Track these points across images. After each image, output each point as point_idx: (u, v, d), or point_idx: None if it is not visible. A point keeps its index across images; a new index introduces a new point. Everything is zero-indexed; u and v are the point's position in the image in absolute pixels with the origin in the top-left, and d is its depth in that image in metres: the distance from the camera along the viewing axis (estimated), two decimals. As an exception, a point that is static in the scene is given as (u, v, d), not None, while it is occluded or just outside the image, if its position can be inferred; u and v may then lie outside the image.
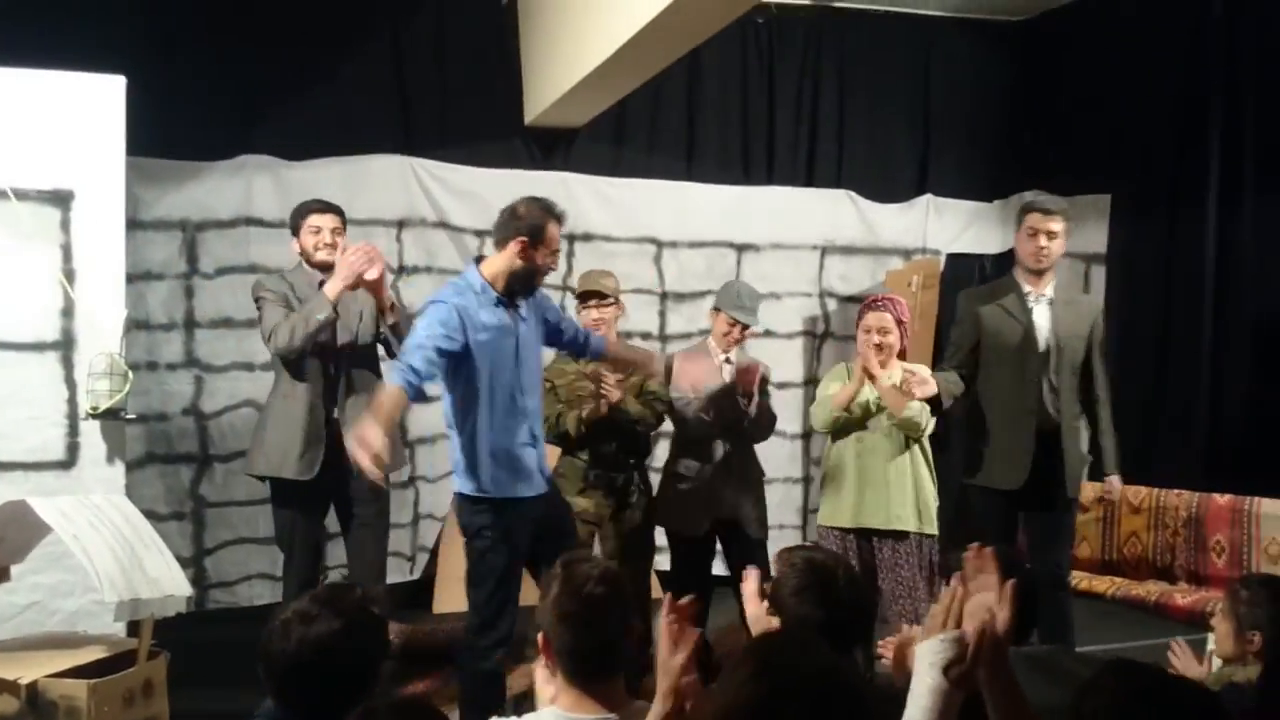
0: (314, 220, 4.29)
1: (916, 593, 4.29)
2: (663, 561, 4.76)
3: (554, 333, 4.09)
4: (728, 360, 4.51)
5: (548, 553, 3.38)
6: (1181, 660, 3.05)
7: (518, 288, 3.75)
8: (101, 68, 4.14)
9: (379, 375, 4.24)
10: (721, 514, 4.43)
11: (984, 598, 1.98)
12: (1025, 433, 4.37)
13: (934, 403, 4.34)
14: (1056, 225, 4.40)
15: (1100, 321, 4.63)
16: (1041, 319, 4.46)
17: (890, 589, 4.33)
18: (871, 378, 4.26)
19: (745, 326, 4.48)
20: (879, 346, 4.33)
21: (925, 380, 4.20)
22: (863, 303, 4.62)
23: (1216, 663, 3.87)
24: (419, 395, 3.56)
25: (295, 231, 4.34)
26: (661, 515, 4.56)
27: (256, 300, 4.23)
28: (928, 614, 4.16)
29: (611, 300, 4.48)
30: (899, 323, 4.38)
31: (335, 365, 4.16)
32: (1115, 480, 4.57)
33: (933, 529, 4.41)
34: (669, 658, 2.01)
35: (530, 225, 3.73)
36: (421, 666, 4.78)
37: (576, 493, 4.34)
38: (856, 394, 4.32)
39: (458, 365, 3.62)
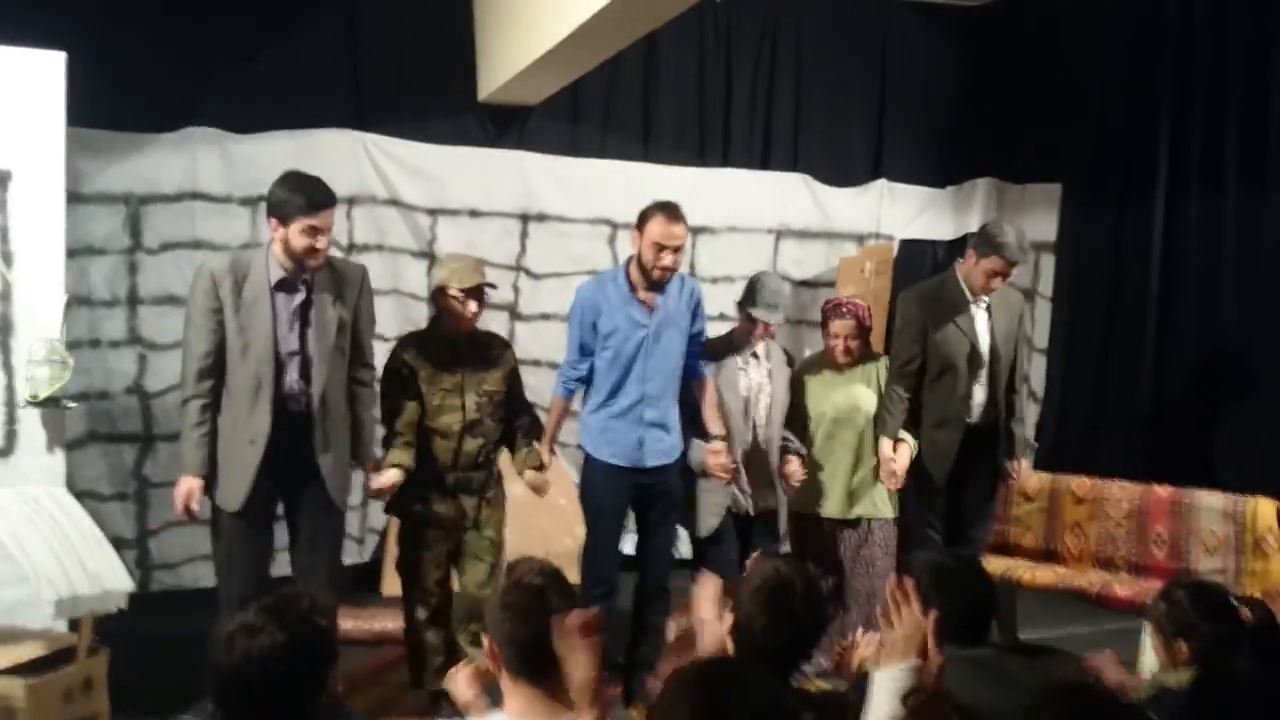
0: (313, 222, 3.63)
1: (876, 576, 4.49)
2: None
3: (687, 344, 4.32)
4: (754, 355, 4.52)
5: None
6: (1109, 673, 3.10)
7: (637, 275, 4.18)
8: (42, 37, 4.00)
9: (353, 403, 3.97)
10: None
11: (898, 634, 2.00)
12: (956, 433, 4.64)
13: None
14: (1012, 274, 4.63)
15: (1026, 314, 4.92)
16: (982, 328, 4.67)
17: (851, 570, 4.61)
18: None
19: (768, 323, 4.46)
20: (847, 350, 4.60)
21: (897, 475, 4.54)
22: (826, 306, 4.79)
23: (1149, 664, 3.96)
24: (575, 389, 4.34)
25: (282, 219, 3.65)
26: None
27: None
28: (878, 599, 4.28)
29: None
30: (862, 327, 4.63)
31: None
32: (1024, 464, 4.86)
33: (890, 513, 4.68)
34: (587, 669, 2.01)
35: (639, 218, 4.16)
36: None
37: (436, 500, 4.09)
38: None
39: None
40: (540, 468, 4.16)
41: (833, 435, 4.63)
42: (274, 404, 3.70)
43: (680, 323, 4.28)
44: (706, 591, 2.64)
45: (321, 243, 3.66)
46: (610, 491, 4.27)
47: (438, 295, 4.06)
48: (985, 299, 4.64)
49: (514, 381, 4.24)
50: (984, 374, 4.66)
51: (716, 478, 4.28)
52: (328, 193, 3.71)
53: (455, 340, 4.08)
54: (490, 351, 4.18)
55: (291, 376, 3.74)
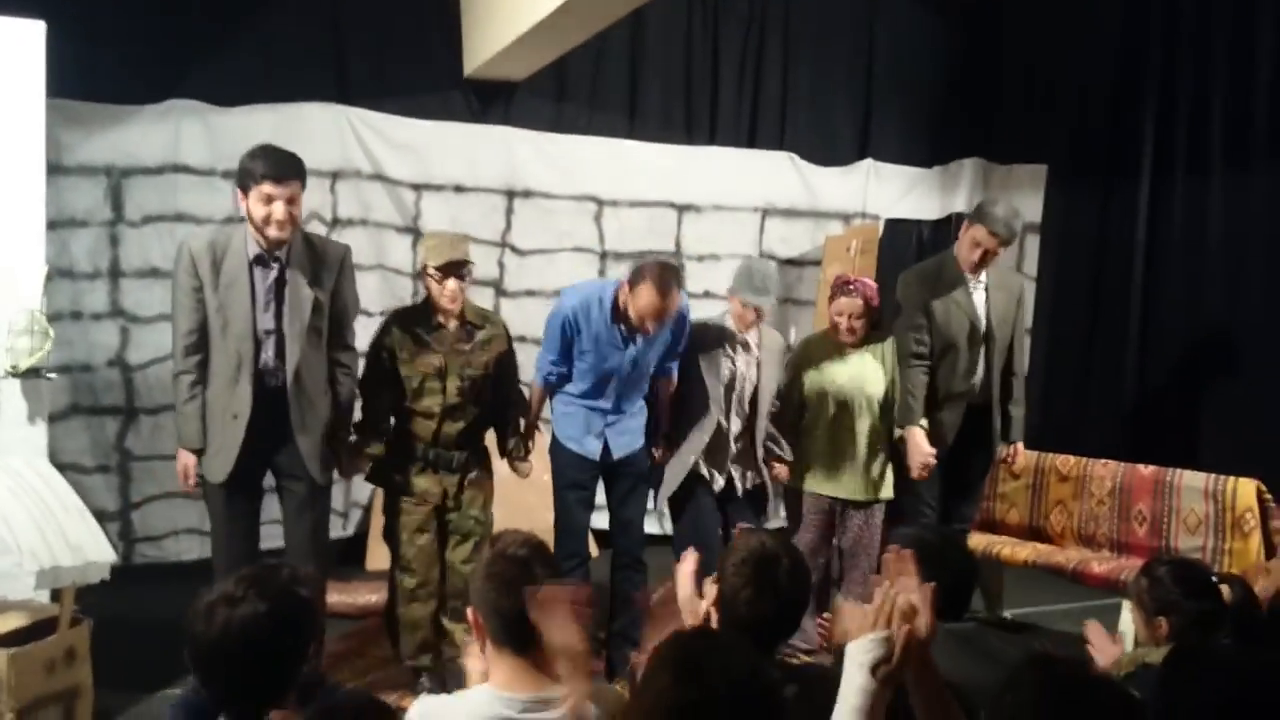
0: (267, 189, 3.59)
1: (873, 555, 4.47)
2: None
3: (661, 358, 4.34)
4: (743, 344, 4.46)
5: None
6: (1097, 642, 3.12)
7: (622, 321, 4.14)
8: (22, 6, 3.94)
9: (333, 383, 3.93)
10: None
11: (906, 598, 2.01)
12: (958, 413, 4.63)
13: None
14: (1002, 251, 4.60)
15: (1025, 299, 4.90)
16: (981, 307, 4.65)
17: (850, 550, 4.58)
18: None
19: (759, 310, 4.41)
20: (851, 330, 4.51)
21: (930, 466, 4.53)
22: (835, 283, 4.68)
23: (1128, 641, 3.99)
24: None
25: (244, 189, 3.64)
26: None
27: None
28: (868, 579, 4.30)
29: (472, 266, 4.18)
30: (869, 307, 4.51)
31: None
32: (1019, 448, 4.86)
33: (889, 494, 4.64)
34: (575, 642, 2.03)
35: (632, 273, 4.05)
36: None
37: (416, 473, 4.06)
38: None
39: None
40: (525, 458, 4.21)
41: (838, 415, 4.54)
42: (254, 381, 3.69)
43: (658, 344, 4.27)
44: (686, 568, 2.65)
45: (280, 212, 3.59)
46: (578, 466, 4.31)
47: (421, 274, 4.03)
48: (983, 279, 4.63)
49: (504, 364, 4.17)
50: (983, 352, 4.64)
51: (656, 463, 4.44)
52: (290, 164, 3.63)
53: (442, 320, 4.00)
54: (479, 334, 4.08)
55: (268, 354, 3.73)
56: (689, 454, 4.39)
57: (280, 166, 3.61)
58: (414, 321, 4.04)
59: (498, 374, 4.12)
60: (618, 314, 4.12)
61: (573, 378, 4.29)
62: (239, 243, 3.69)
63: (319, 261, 3.79)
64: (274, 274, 3.71)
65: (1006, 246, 4.62)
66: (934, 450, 4.51)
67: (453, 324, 4.02)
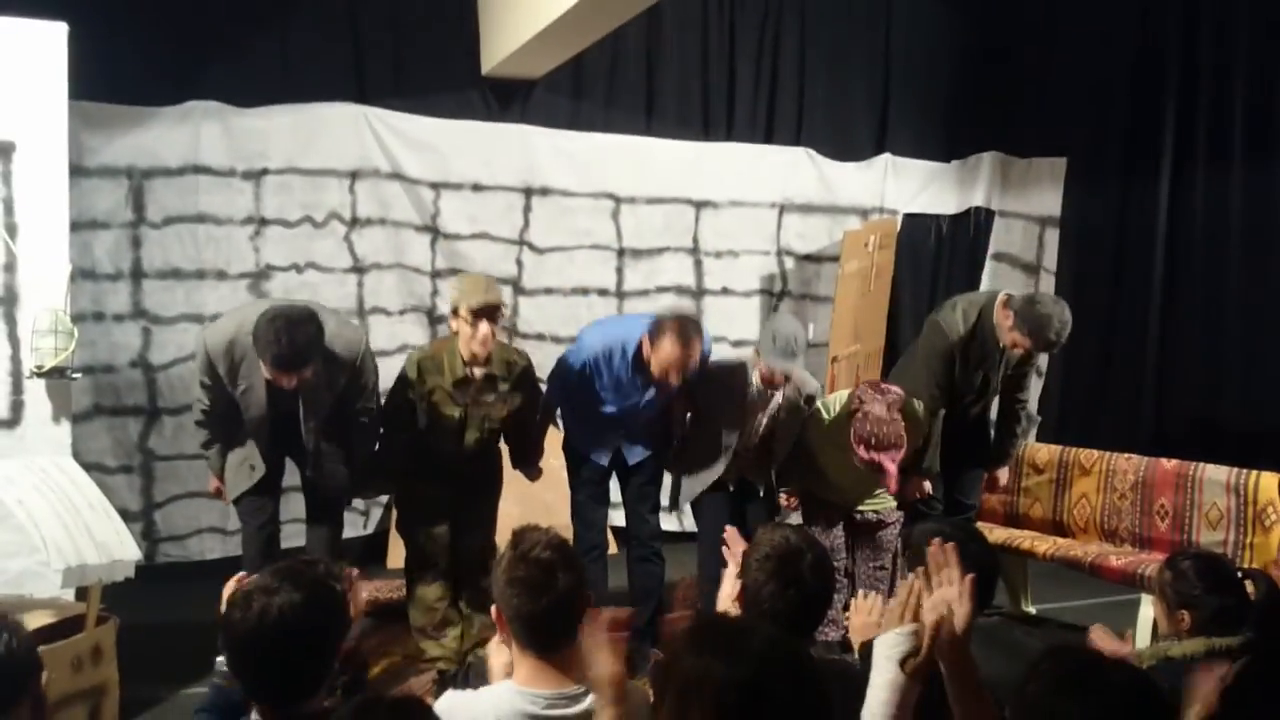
0: (278, 377, 3.68)
1: (887, 566, 4.43)
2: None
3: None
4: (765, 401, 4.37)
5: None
6: (1102, 646, 3.11)
7: (642, 371, 4.11)
8: (45, 8, 3.98)
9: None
10: None
11: (945, 592, 2.00)
12: (951, 424, 4.62)
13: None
14: (1035, 354, 4.66)
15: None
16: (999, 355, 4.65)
17: (865, 562, 4.47)
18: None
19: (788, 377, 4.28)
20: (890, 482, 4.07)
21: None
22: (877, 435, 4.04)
23: (1141, 638, 3.97)
24: None
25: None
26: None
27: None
28: (885, 584, 4.28)
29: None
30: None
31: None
32: (1003, 473, 4.93)
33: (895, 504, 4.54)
34: (609, 665, 2.01)
35: (653, 327, 4.02)
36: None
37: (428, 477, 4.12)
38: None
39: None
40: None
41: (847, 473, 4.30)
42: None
43: (671, 389, 4.21)
44: (730, 573, 2.63)
45: (289, 384, 3.68)
46: (591, 464, 4.37)
47: (453, 315, 4.01)
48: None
49: (527, 408, 4.21)
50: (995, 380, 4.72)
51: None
52: (288, 360, 3.60)
53: (467, 368, 3.99)
54: (502, 386, 4.07)
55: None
56: (700, 481, 4.38)
57: (281, 362, 3.59)
58: (437, 370, 4.02)
59: (517, 419, 4.20)
60: (640, 364, 4.10)
61: (586, 415, 4.32)
62: (255, 357, 3.73)
63: (333, 364, 3.85)
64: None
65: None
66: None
67: (478, 372, 4.00)
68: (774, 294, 6.60)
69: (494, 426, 4.11)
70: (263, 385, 3.78)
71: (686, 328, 3.97)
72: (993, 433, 4.88)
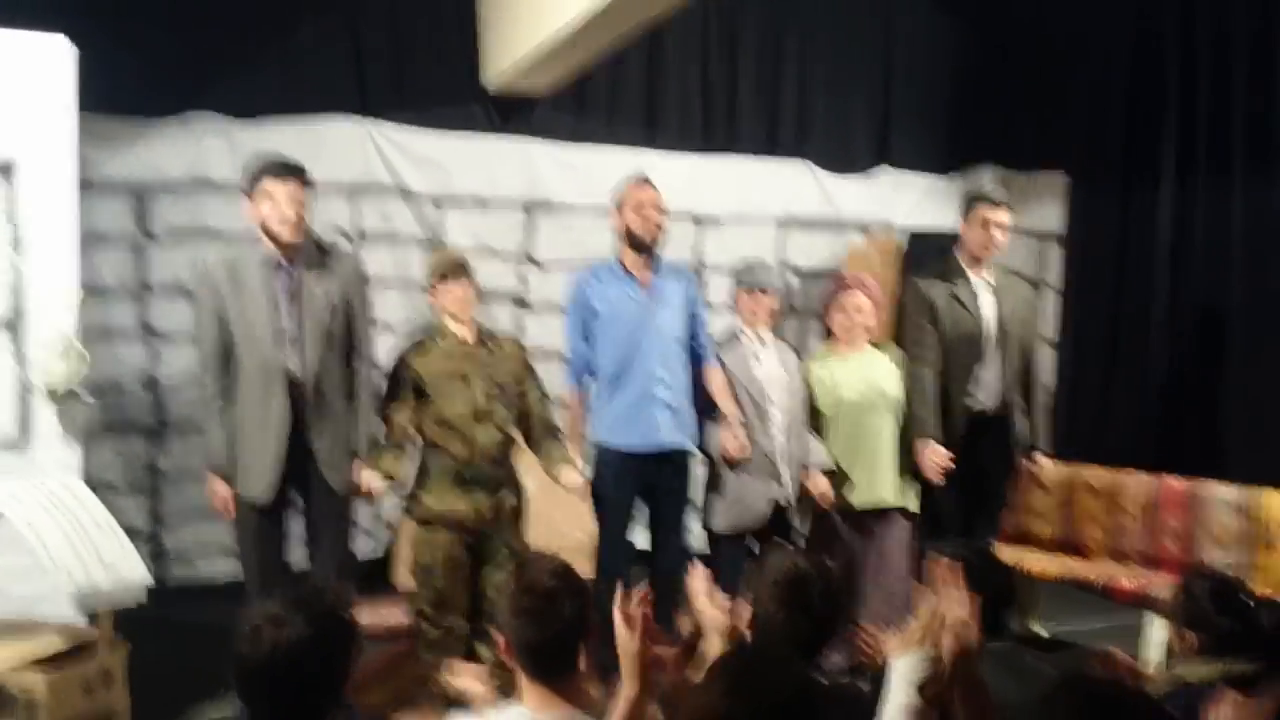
0: (268, 185, 3.71)
1: (898, 569, 4.39)
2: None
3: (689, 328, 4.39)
4: (760, 340, 4.43)
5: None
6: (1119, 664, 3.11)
7: (629, 255, 4.32)
8: (47, 22, 3.95)
9: (350, 393, 3.97)
10: None
11: (951, 611, 2.00)
12: (962, 423, 4.52)
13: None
14: (1005, 217, 4.52)
15: (1040, 305, 4.92)
16: (988, 309, 4.55)
17: (874, 564, 4.43)
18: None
19: (765, 293, 4.41)
20: (866, 329, 4.49)
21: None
22: (836, 282, 4.69)
23: (1152, 659, 3.96)
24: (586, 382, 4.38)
25: (249, 194, 3.77)
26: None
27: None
28: (896, 595, 4.24)
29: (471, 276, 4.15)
30: (876, 305, 4.54)
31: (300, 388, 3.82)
32: (1043, 458, 4.70)
33: (914, 505, 4.52)
34: (627, 642, 2.08)
35: (613, 193, 4.35)
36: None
37: (448, 489, 4.01)
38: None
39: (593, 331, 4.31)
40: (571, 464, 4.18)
41: (858, 422, 4.44)
42: (284, 390, 3.76)
43: (675, 303, 4.33)
44: (698, 582, 2.66)
45: (285, 208, 3.68)
46: (620, 484, 4.29)
47: (430, 293, 4.11)
48: (990, 279, 4.56)
49: (529, 376, 4.20)
50: (991, 356, 4.52)
51: (730, 458, 4.26)
52: (288, 166, 3.72)
53: (455, 332, 4.06)
54: (499, 348, 4.14)
55: (292, 360, 3.78)
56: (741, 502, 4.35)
57: (278, 164, 3.74)
58: (430, 339, 4.09)
59: (522, 385, 4.14)
60: (625, 268, 4.31)
61: (601, 373, 4.32)
62: (255, 254, 3.80)
63: (330, 264, 3.88)
64: (289, 278, 3.78)
65: (1008, 212, 4.55)
66: (949, 454, 4.38)
67: (464, 333, 4.05)
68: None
69: (500, 380, 4.04)
70: (264, 288, 3.74)
71: (637, 176, 4.37)
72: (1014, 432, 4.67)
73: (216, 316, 3.78)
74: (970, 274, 4.54)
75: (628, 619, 2.11)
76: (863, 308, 4.47)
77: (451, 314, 4.04)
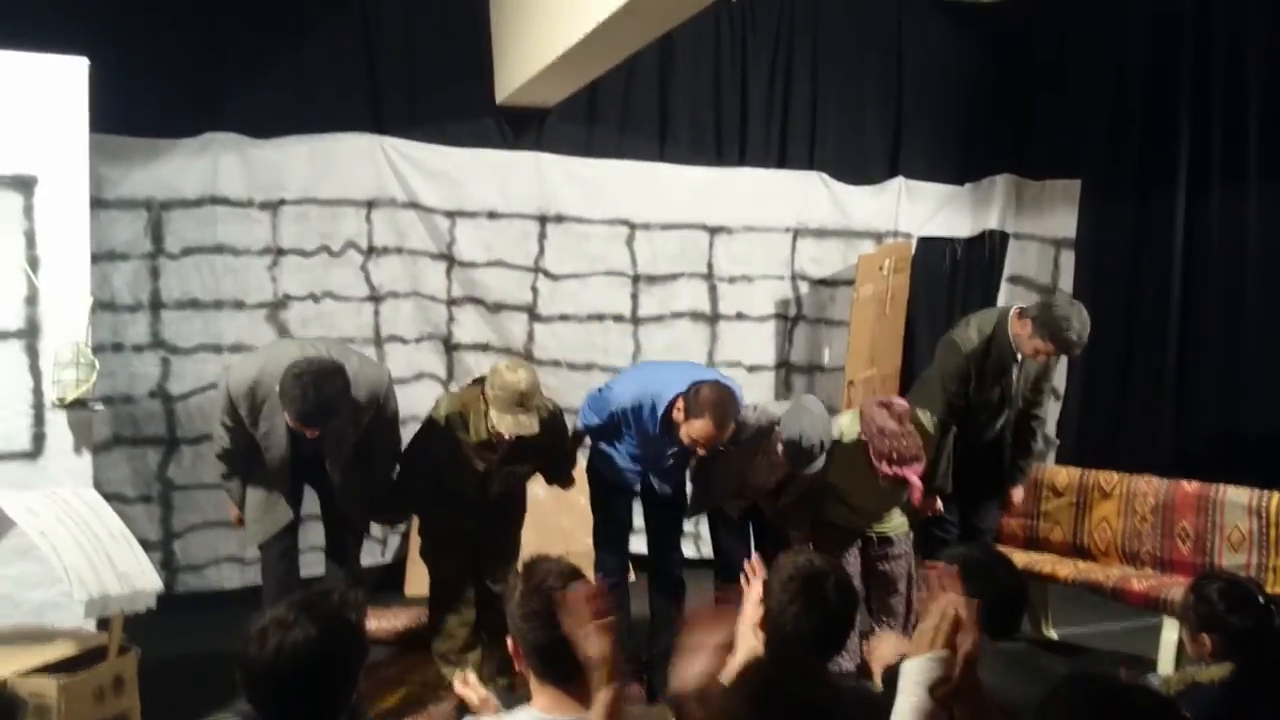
0: (294, 424, 3.77)
1: (895, 588, 4.36)
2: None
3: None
4: None
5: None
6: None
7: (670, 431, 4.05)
8: (62, 42, 4.02)
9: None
10: None
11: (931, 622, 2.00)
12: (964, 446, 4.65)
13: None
14: (1054, 356, 4.70)
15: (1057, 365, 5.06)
16: (1012, 382, 4.74)
17: (878, 586, 4.39)
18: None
19: None
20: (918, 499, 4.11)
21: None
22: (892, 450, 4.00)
23: (1167, 658, 3.92)
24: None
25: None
26: None
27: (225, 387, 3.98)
28: (900, 613, 4.22)
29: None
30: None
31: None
32: (1017, 490, 4.97)
33: (908, 529, 4.48)
34: (597, 647, 2.02)
35: (690, 398, 3.93)
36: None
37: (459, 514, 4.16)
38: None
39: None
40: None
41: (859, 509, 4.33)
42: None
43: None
44: (750, 608, 2.62)
45: (312, 435, 3.76)
46: (614, 489, 4.37)
47: (481, 389, 3.99)
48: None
49: (556, 451, 4.23)
50: (1012, 398, 4.74)
51: None
52: (314, 416, 3.67)
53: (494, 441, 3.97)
54: (531, 447, 4.00)
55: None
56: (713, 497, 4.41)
57: (304, 418, 3.67)
58: (464, 427, 4.01)
59: (548, 460, 4.23)
60: (669, 424, 4.04)
61: (612, 451, 4.34)
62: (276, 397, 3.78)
63: (357, 409, 3.89)
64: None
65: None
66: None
67: (505, 437, 3.91)
68: (788, 318, 6.60)
69: (520, 475, 4.18)
70: (284, 429, 3.82)
71: (725, 409, 3.89)
72: (1008, 454, 4.87)
73: (233, 429, 3.93)
74: (1016, 355, 4.64)
75: (600, 621, 2.05)
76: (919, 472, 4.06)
77: (498, 433, 3.88)
